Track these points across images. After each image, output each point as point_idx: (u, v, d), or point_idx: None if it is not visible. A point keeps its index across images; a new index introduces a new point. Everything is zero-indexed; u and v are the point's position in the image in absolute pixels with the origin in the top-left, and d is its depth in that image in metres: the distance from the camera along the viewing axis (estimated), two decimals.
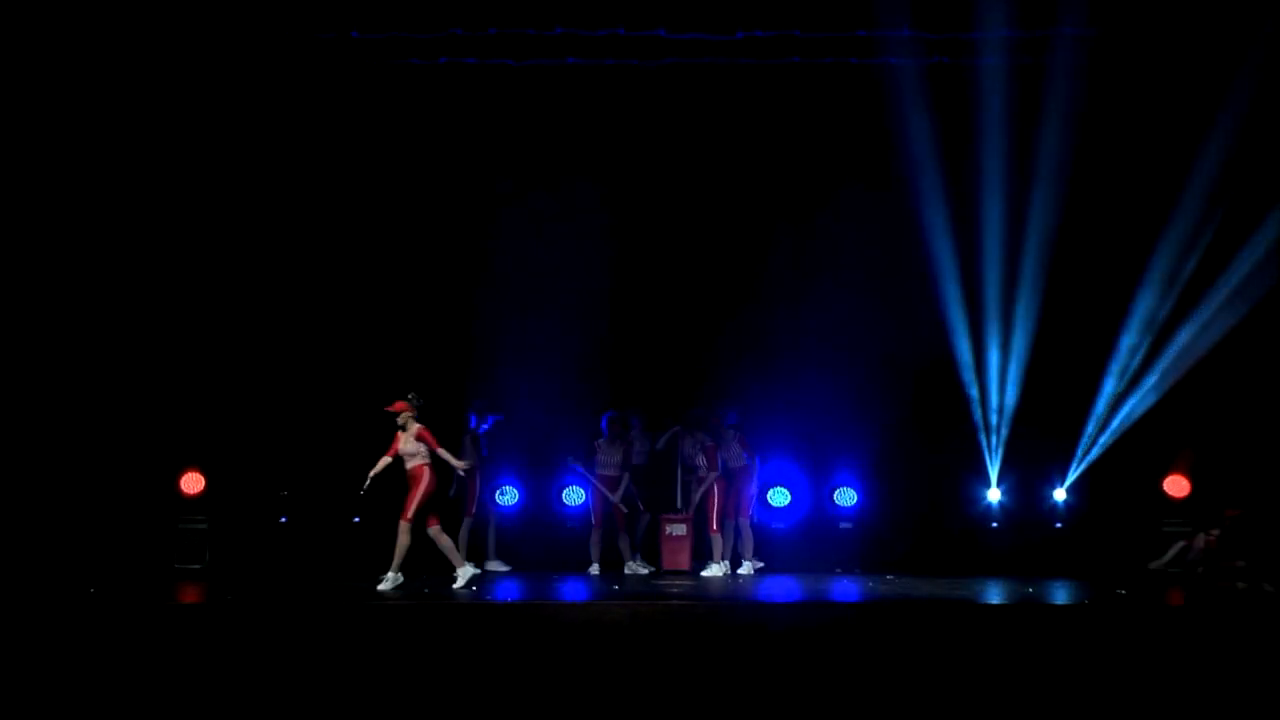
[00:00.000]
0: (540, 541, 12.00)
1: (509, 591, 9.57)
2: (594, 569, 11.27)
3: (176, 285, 11.78)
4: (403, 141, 12.27)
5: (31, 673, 7.29)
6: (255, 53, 11.57)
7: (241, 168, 11.93)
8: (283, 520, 11.97)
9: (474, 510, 11.34)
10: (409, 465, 9.65)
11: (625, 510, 11.33)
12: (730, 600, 8.93)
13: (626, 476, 11.29)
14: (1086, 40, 11.36)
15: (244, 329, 11.97)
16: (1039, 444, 11.86)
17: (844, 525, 11.99)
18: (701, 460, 11.18)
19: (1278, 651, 7.45)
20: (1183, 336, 11.44)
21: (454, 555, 9.79)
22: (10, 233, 11.23)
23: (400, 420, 9.71)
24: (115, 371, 11.55)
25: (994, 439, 12.04)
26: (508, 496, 12.14)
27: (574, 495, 12.01)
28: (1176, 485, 11.16)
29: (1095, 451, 11.68)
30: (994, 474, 11.92)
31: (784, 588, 9.98)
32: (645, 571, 11.32)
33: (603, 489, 11.25)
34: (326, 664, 7.43)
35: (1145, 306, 11.56)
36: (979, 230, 12.17)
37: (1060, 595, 9.28)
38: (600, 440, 11.37)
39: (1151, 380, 11.52)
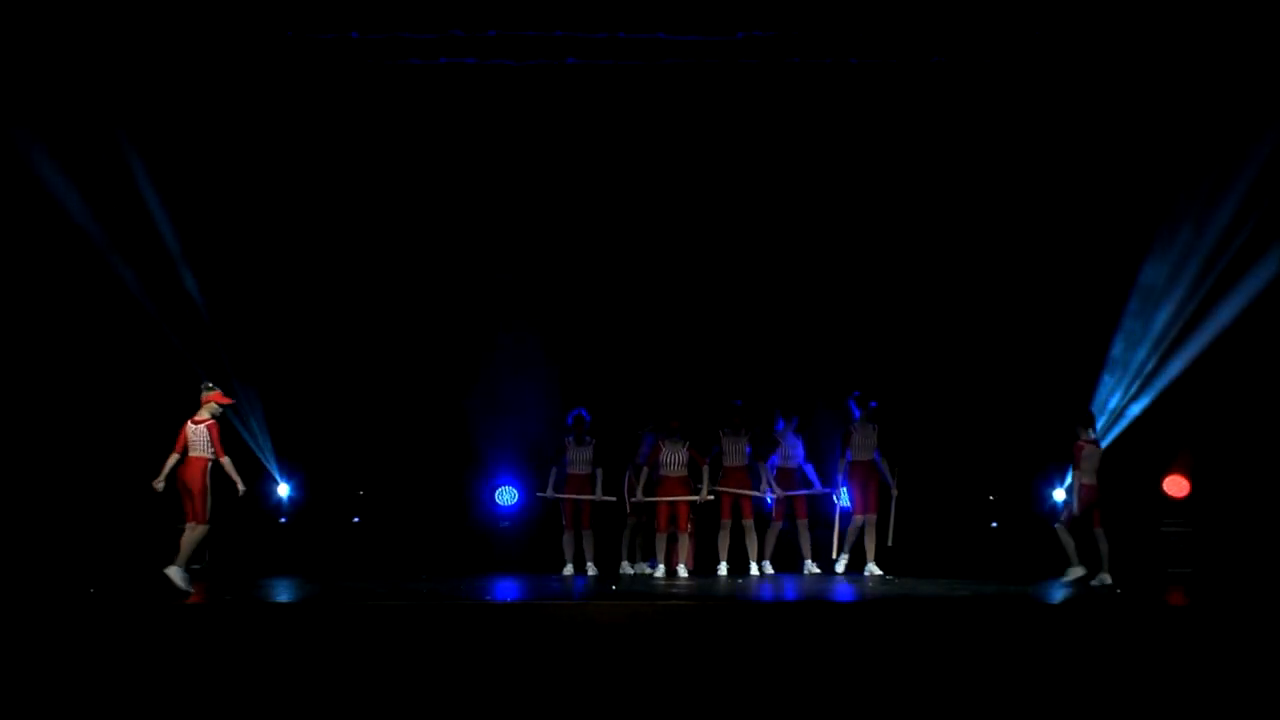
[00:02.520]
0: (540, 541, 12.00)
1: (508, 591, 9.57)
2: (567, 569, 11.18)
3: (175, 285, 11.78)
4: (403, 140, 12.28)
5: (32, 673, 7.29)
6: (253, 53, 11.57)
7: (237, 168, 11.94)
8: (282, 521, 11.98)
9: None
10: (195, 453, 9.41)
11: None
12: (730, 600, 8.93)
13: (599, 473, 11.06)
14: (1087, 38, 11.38)
15: (243, 329, 11.97)
16: (1038, 444, 11.87)
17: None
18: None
19: (1277, 651, 7.45)
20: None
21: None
22: (8, 233, 11.24)
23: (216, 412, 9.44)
24: (116, 371, 11.55)
25: (990, 438, 12.06)
26: (508, 496, 12.12)
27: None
28: (1176, 485, 11.15)
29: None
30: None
31: (784, 588, 9.98)
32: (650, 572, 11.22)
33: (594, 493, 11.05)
34: (325, 664, 7.44)
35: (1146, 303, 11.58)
36: (978, 229, 12.23)
37: (1058, 595, 9.28)
38: (568, 439, 11.13)
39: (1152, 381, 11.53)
